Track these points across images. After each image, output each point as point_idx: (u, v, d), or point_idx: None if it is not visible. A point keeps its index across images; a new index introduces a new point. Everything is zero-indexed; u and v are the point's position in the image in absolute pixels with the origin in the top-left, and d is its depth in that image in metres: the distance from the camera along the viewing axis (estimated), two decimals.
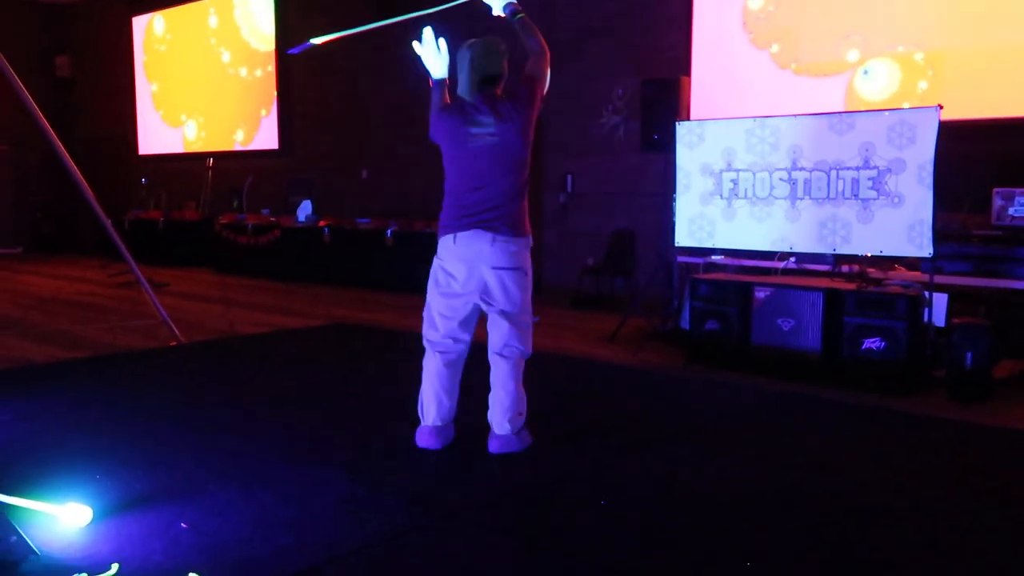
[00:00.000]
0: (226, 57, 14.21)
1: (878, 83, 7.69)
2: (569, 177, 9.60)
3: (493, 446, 3.91)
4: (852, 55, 7.81)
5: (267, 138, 13.49)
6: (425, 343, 3.98)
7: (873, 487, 3.56)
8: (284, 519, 3.11)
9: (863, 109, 7.04)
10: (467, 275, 3.83)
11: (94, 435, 4.16)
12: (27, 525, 2.87)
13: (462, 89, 3.87)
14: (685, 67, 8.51)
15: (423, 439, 3.95)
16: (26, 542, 2.69)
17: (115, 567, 2.66)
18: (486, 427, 3.97)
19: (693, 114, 8.11)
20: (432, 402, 3.94)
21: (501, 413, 3.88)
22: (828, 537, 3.05)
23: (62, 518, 2.99)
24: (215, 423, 4.42)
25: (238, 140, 14.05)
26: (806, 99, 7.82)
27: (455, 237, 3.82)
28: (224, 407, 4.78)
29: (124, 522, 3.04)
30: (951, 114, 7.04)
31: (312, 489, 3.44)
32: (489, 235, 3.77)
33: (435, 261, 3.94)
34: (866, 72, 7.73)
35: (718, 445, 4.14)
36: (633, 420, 4.61)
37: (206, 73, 14.63)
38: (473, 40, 3.89)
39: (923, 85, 7.46)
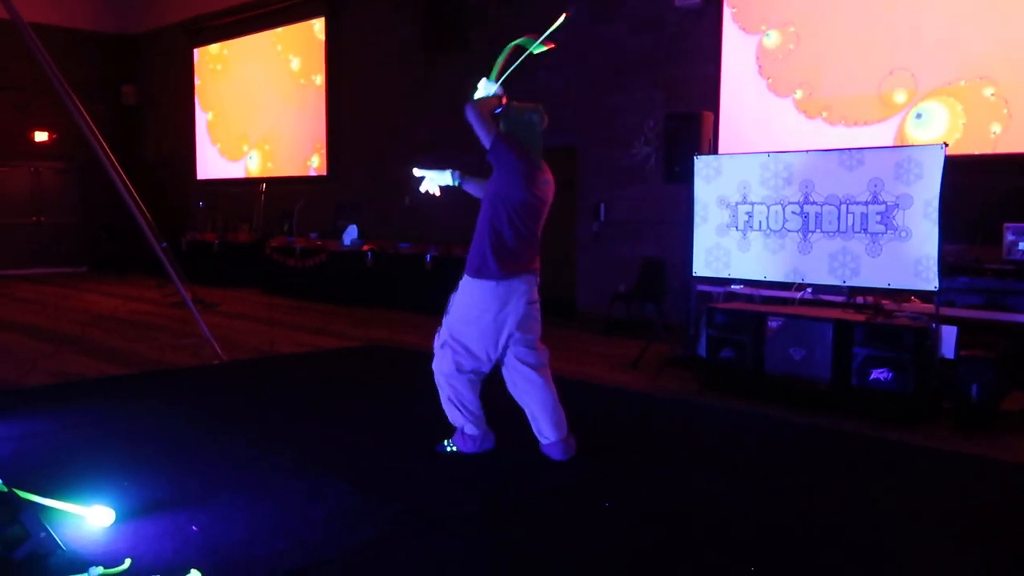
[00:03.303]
0: (295, 64, 13.95)
1: (936, 128, 6.67)
2: (602, 206, 9.82)
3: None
4: (899, 96, 6.98)
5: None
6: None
7: (866, 518, 3.69)
8: (285, 525, 3.40)
9: None
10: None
11: (128, 445, 4.52)
12: (56, 523, 3.21)
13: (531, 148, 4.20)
14: (714, 101, 8.64)
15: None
16: (54, 538, 3.01)
17: (128, 562, 2.97)
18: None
19: (723, 147, 8.23)
20: None
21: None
22: (820, 566, 3.19)
23: (88, 518, 3.32)
24: (238, 436, 4.74)
25: (313, 165, 13.82)
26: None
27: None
28: (249, 422, 5.10)
29: (142, 524, 3.37)
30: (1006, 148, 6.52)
31: (314, 498, 3.73)
32: None
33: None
34: (919, 116, 6.77)
35: (721, 471, 4.29)
36: (637, 444, 4.79)
37: (272, 88, 14.40)
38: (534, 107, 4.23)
39: (996, 129, 6.37)
